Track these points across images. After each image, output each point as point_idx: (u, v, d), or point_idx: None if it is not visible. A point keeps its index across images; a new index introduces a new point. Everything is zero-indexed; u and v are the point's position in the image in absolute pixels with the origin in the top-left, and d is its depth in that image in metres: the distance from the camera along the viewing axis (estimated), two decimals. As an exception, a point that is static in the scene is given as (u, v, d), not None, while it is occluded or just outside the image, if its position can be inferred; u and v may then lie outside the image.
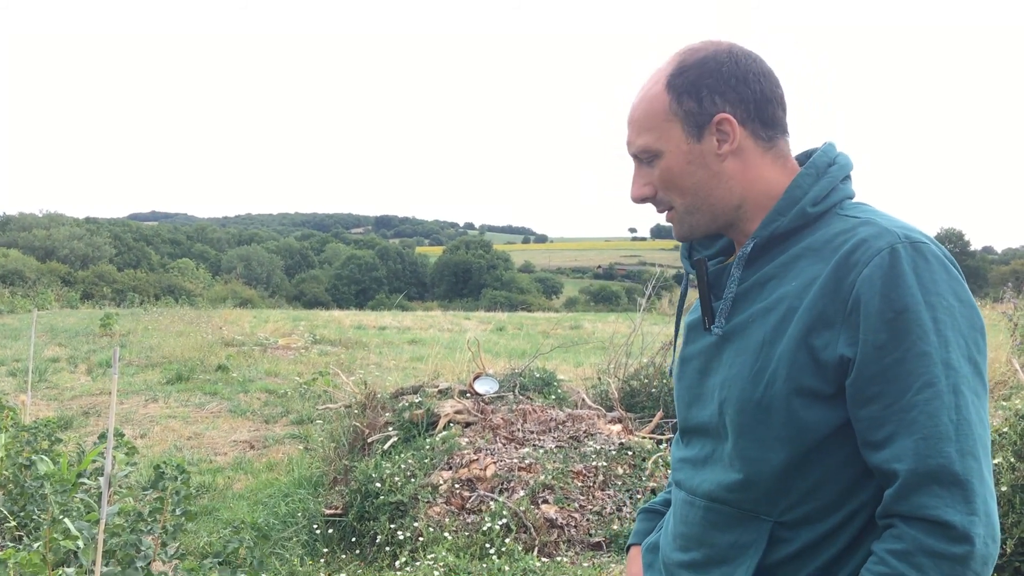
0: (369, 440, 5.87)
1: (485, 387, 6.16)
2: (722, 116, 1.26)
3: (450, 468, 5.06)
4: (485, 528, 4.44)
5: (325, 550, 4.84)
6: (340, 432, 6.20)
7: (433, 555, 4.21)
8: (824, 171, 1.28)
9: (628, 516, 4.66)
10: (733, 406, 1.23)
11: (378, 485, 4.93)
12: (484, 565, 4.11)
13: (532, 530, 4.49)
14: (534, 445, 5.26)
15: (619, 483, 4.93)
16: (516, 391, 6.17)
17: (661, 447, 5.36)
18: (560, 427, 5.57)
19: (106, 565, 2.99)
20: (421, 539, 4.49)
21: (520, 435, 5.44)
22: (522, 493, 4.70)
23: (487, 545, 4.34)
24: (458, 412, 5.75)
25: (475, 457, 5.08)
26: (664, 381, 6.40)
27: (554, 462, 5.00)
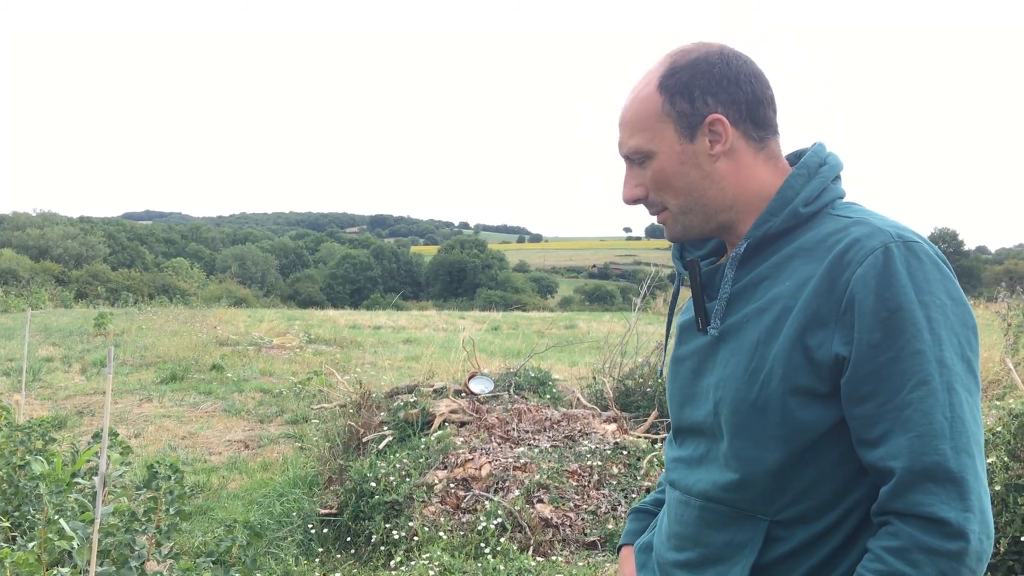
0: (364, 440, 5.87)
1: (480, 386, 6.16)
2: (715, 117, 1.26)
3: (445, 467, 5.06)
4: (480, 527, 4.44)
5: (320, 550, 4.83)
6: (335, 432, 6.19)
7: (428, 554, 4.21)
8: (815, 171, 1.29)
9: (623, 515, 4.67)
10: (728, 406, 1.23)
11: (373, 485, 4.93)
12: (479, 564, 4.11)
13: (527, 529, 4.49)
14: (529, 444, 5.27)
15: (614, 482, 4.94)
16: (511, 391, 6.18)
17: (656, 446, 5.36)
18: (555, 426, 5.57)
19: (100, 565, 2.99)
20: (416, 539, 4.49)
21: (515, 434, 5.44)
22: (517, 492, 4.71)
23: (482, 544, 4.34)
24: (453, 412, 5.75)
25: (470, 456, 5.08)
26: (659, 380, 6.41)
27: (549, 461, 5.00)
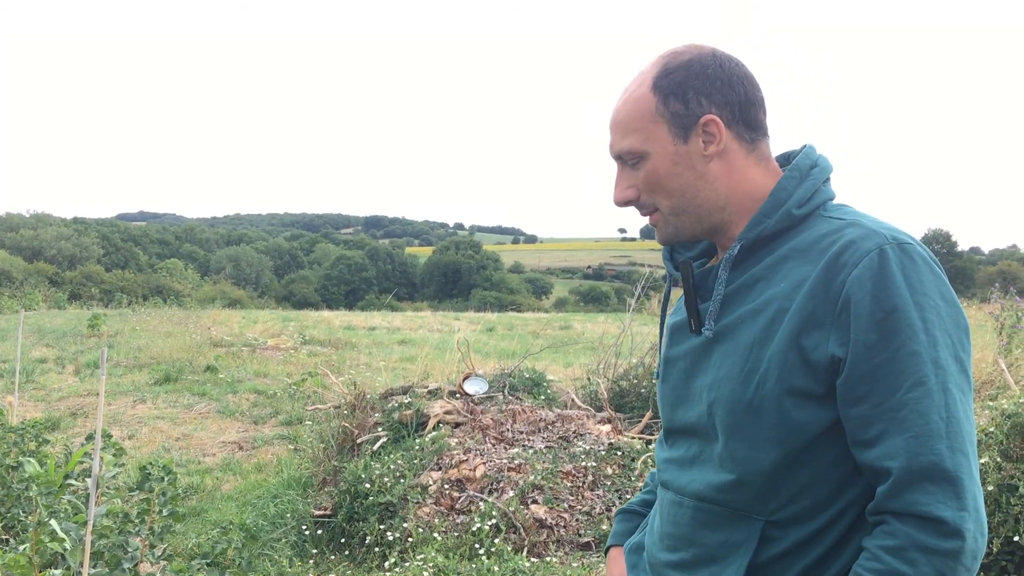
0: (358, 441, 5.86)
1: (475, 387, 6.15)
2: (708, 117, 1.27)
3: (439, 468, 5.05)
4: (474, 528, 4.44)
5: (314, 551, 4.83)
6: (329, 433, 6.18)
7: (422, 556, 4.20)
8: (807, 173, 1.29)
9: (618, 516, 4.67)
10: (723, 407, 1.24)
11: (367, 486, 4.92)
12: (473, 565, 4.10)
13: (521, 530, 4.49)
14: (523, 445, 5.27)
15: (608, 483, 4.94)
16: (506, 391, 6.17)
17: (650, 447, 5.37)
18: (549, 427, 5.57)
19: (94, 567, 2.98)
20: (410, 540, 4.49)
21: (510, 435, 5.44)
22: (511, 493, 4.70)
23: (476, 545, 4.33)
24: (448, 412, 5.75)
25: (465, 457, 5.08)
26: (653, 381, 6.42)
27: (543, 462, 5.00)
